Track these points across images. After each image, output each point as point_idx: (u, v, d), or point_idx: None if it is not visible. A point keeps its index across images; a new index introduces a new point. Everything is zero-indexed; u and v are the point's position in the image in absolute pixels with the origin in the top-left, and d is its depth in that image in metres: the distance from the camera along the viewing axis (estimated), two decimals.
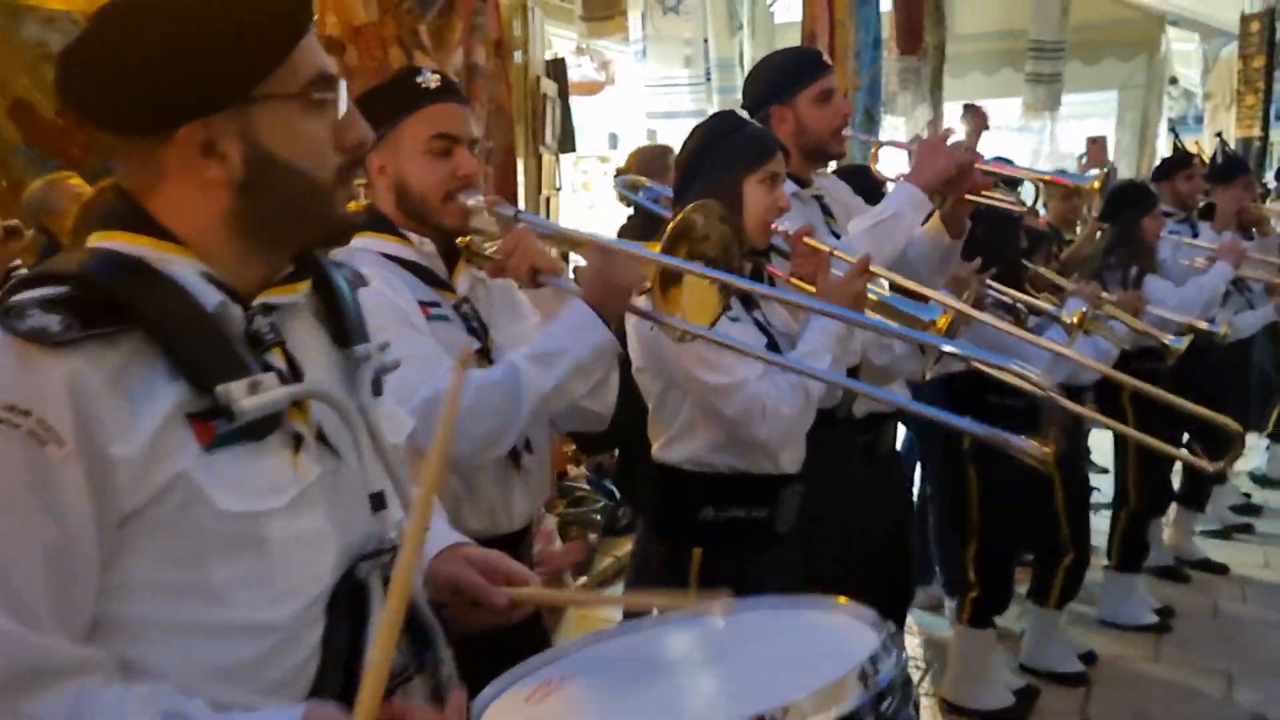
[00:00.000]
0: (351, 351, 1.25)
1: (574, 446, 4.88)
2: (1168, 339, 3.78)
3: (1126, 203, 4.38)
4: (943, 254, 2.84)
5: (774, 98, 2.76)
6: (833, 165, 3.22)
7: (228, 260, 1.14)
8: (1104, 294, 3.90)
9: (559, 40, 7.67)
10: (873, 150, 3.24)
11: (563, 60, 7.16)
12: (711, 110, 6.36)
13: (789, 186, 2.74)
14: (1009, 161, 4.93)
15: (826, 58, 2.94)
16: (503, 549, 1.93)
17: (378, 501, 1.22)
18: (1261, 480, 6.75)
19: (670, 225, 1.80)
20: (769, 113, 2.76)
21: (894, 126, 8.30)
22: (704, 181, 2.24)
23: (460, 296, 2.00)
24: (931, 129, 8.53)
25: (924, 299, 2.32)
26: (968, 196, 2.74)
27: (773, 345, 2.28)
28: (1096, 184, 2.79)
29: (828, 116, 2.76)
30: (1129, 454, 4.56)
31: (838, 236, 2.76)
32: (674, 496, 2.32)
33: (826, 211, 2.86)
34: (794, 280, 2.31)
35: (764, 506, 2.31)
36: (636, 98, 8.27)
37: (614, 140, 10.02)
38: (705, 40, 7.77)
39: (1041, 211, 5.68)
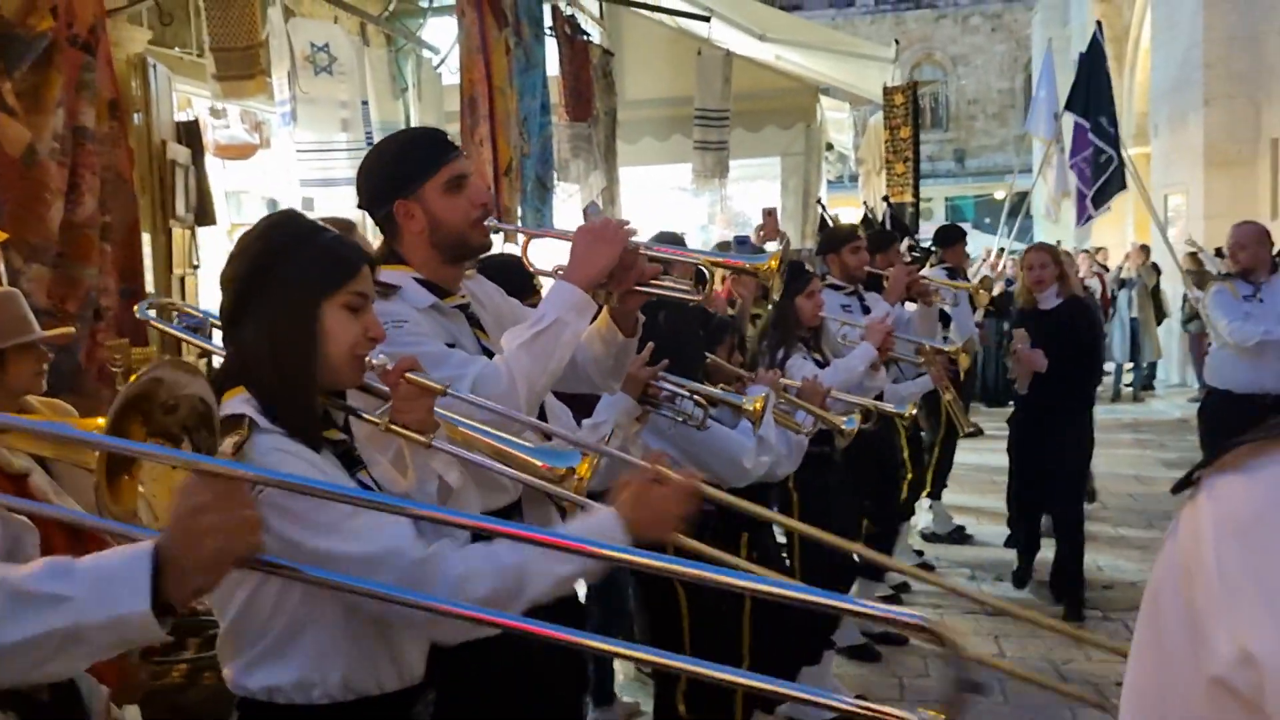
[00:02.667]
0: None
1: None
2: (842, 422, 3.66)
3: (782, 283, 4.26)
4: (616, 355, 2.46)
5: (396, 191, 2.29)
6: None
7: None
8: (786, 381, 3.73)
9: (200, 100, 6.91)
10: (524, 241, 2.81)
11: (195, 122, 6.40)
12: None
13: (422, 298, 2.29)
14: (679, 241, 4.74)
15: (455, 138, 2.51)
16: None
17: None
18: (931, 537, 6.98)
19: (122, 395, 1.29)
20: (392, 209, 2.29)
21: (568, 193, 8.10)
22: (266, 309, 1.71)
23: None
24: (606, 195, 8.41)
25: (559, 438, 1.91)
26: (637, 287, 2.37)
27: None
28: (774, 262, 2.47)
29: (463, 206, 2.31)
30: (795, 541, 4.41)
31: (490, 355, 2.31)
32: None
33: (475, 323, 2.41)
34: (394, 429, 1.81)
35: None
36: (293, 163, 7.58)
37: (273, 207, 9.28)
38: (365, 103, 7.23)
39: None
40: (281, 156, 8.01)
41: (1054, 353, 5.53)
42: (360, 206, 2.37)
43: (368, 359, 1.78)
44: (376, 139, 7.18)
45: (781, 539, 4.55)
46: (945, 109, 34.91)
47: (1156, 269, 13.93)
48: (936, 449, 6.77)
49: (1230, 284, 5.95)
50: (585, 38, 8.08)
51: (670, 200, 12.61)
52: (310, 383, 1.72)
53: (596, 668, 4.27)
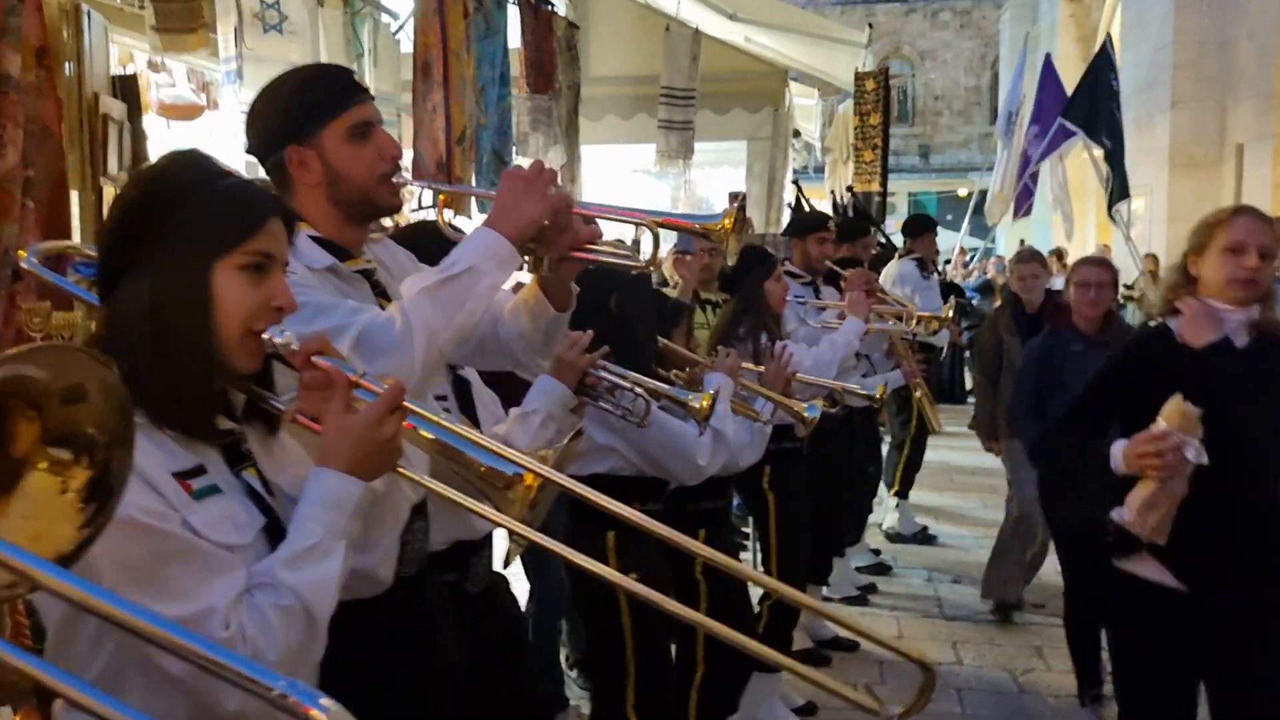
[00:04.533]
0: None
1: None
2: (804, 409, 3.45)
3: (747, 267, 4.04)
4: (545, 330, 2.16)
5: (289, 136, 1.97)
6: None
7: None
8: (746, 365, 3.51)
9: (141, 55, 6.53)
10: (439, 199, 2.34)
11: (134, 76, 6.04)
12: None
13: (319, 258, 1.97)
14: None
15: (363, 79, 2.21)
16: None
17: None
18: (895, 538, 6.81)
19: None
20: (284, 156, 1.97)
21: None
22: (147, 266, 1.42)
23: None
24: (565, 172, 8.13)
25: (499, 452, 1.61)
26: (572, 253, 2.06)
27: (274, 527, 1.47)
28: (728, 221, 2.10)
29: (368, 158, 1.99)
30: (771, 542, 4.19)
31: None
32: None
33: (380, 292, 2.09)
34: (302, 421, 1.51)
35: None
36: (240, 126, 7.23)
37: None
38: None
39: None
40: (230, 119, 7.65)
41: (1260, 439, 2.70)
42: (248, 152, 2.03)
43: (267, 336, 1.47)
44: None
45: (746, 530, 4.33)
46: (911, 104, 34.92)
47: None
48: (907, 447, 6.59)
49: None
50: (549, 7, 7.79)
51: (632, 182, 12.33)
52: (196, 361, 1.43)
53: (548, 673, 4.07)
